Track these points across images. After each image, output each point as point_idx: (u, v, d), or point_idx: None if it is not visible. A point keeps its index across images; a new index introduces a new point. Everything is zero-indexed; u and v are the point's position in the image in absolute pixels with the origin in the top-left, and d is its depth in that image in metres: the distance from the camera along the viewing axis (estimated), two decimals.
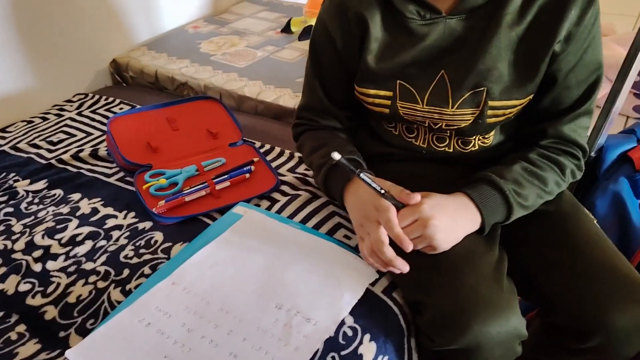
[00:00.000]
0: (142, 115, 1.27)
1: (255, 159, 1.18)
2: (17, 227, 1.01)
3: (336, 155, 0.75)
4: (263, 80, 1.60)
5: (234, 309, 0.80)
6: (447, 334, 0.74)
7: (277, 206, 1.04)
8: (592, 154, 1.21)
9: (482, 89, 0.78)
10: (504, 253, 0.82)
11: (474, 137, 0.85)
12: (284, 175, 1.16)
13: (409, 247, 0.74)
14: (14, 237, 0.98)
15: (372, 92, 0.85)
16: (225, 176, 1.11)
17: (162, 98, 1.56)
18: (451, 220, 0.76)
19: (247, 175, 1.12)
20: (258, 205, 1.04)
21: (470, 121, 0.82)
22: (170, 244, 0.96)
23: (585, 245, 0.82)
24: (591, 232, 0.84)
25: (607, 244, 0.82)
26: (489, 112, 0.80)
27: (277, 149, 1.27)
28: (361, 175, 0.76)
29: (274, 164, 1.21)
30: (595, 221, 0.88)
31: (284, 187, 1.11)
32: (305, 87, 0.97)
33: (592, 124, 1.16)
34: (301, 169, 1.20)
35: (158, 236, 0.98)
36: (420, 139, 0.89)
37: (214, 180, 1.10)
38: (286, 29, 1.97)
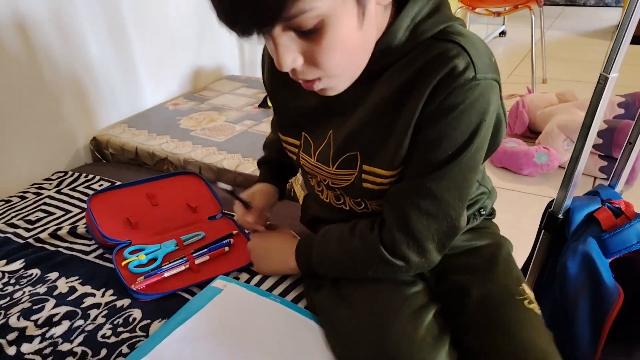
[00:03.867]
0: (122, 192, 1.28)
1: (235, 232, 1.19)
2: None
3: (223, 186, 1.01)
4: (242, 153, 1.64)
5: None
6: None
7: (256, 279, 1.04)
8: (560, 215, 1.26)
9: (355, 153, 0.82)
10: (432, 303, 0.85)
11: (360, 199, 0.88)
12: None
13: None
14: None
15: (286, 139, 0.93)
16: (205, 250, 1.12)
17: (141, 173, 1.59)
18: (265, 252, 1.01)
19: (227, 248, 1.13)
20: (237, 279, 1.05)
21: (349, 182, 0.85)
22: (149, 321, 0.95)
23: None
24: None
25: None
26: (364, 176, 0.82)
27: None
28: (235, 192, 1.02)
29: None
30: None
31: None
32: None
33: (558, 186, 1.22)
34: None
35: (137, 313, 0.97)
36: (324, 194, 0.93)
37: (193, 255, 1.10)
38: (263, 104, 2.04)
